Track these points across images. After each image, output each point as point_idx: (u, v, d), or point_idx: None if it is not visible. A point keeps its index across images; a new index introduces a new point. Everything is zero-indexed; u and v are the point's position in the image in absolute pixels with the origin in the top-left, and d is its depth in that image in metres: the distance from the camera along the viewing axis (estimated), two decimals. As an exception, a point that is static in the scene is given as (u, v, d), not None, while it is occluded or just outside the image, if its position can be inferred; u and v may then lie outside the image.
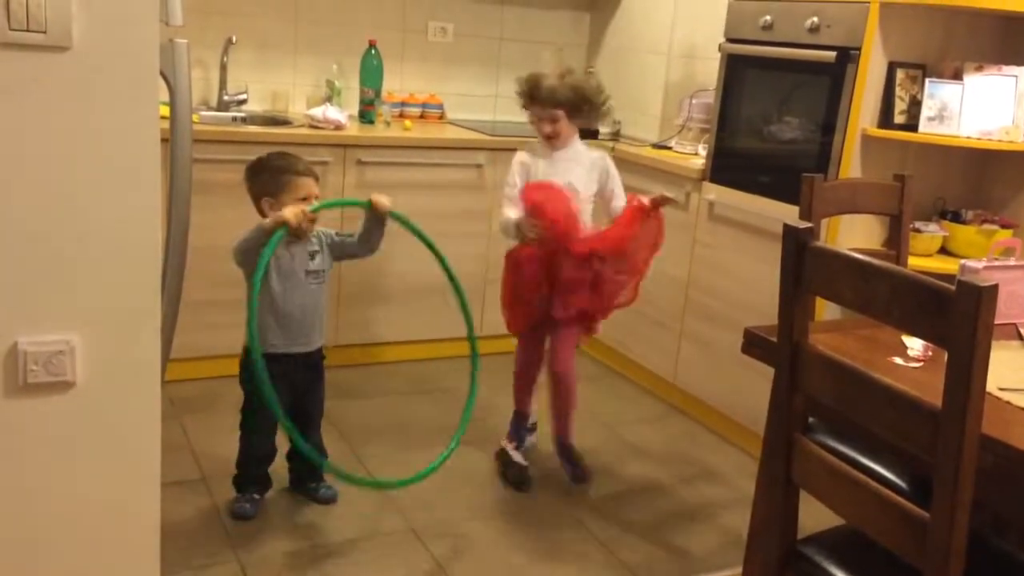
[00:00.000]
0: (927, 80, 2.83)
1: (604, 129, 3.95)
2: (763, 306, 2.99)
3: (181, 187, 1.79)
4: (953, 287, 1.28)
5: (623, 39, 4.22)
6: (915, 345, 1.88)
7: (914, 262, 2.70)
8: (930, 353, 1.85)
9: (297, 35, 3.80)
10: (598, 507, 2.79)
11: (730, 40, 3.26)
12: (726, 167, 3.31)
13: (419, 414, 3.26)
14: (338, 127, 3.43)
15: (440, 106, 4.07)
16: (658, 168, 3.56)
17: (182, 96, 1.73)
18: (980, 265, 2.05)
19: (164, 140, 1.60)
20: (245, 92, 3.67)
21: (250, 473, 2.55)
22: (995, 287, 1.24)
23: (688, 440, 3.33)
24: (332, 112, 3.45)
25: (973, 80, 2.82)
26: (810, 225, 1.56)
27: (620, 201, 2.80)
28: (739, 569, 2.19)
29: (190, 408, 3.11)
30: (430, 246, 2.41)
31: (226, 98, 3.63)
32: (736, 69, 3.28)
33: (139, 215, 1.56)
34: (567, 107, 2.70)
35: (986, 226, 2.94)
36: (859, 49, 2.79)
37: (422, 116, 4.02)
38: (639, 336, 3.71)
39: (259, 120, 3.59)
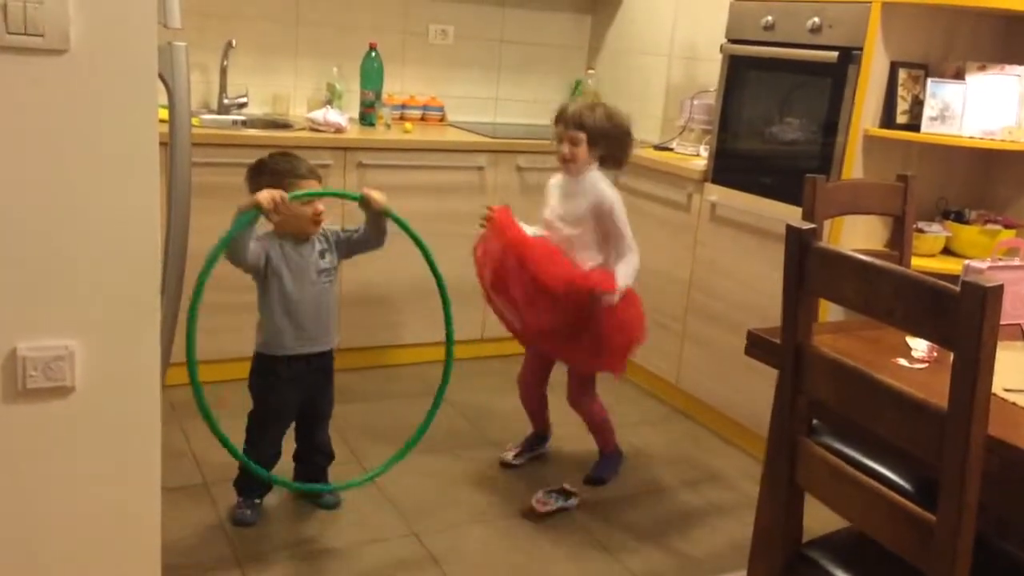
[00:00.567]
0: (929, 80, 2.82)
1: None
2: (765, 307, 2.99)
3: (180, 190, 1.78)
4: (957, 288, 1.27)
5: (624, 41, 4.22)
6: (919, 346, 1.87)
7: (917, 263, 2.69)
8: (935, 354, 1.84)
9: (297, 38, 3.79)
10: (600, 510, 2.78)
11: (731, 41, 3.25)
12: (728, 168, 3.30)
13: (421, 417, 3.24)
14: (339, 130, 3.42)
15: (441, 108, 4.07)
16: (660, 170, 3.55)
17: (181, 99, 1.73)
18: (984, 265, 2.04)
19: (163, 143, 1.59)
20: (245, 95, 3.67)
21: (253, 478, 2.54)
22: (1000, 287, 1.23)
23: (691, 442, 3.32)
24: (333, 115, 3.45)
25: (976, 80, 2.80)
26: (813, 226, 1.55)
27: (618, 252, 2.69)
28: (743, 573, 2.17)
29: (191, 413, 3.06)
30: (419, 243, 2.35)
31: (226, 101, 3.63)
32: (738, 70, 3.27)
33: (138, 219, 1.55)
34: (589, 132, 2.66)
35: (989, 226, 2.93)
36: (861, 49, 2.78)
37: (423, 118, 4.01)
38: (641, 338, 3.69)
39: (259, 123, 3.59)
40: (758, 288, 3.10)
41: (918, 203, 2.56)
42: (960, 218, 2.99)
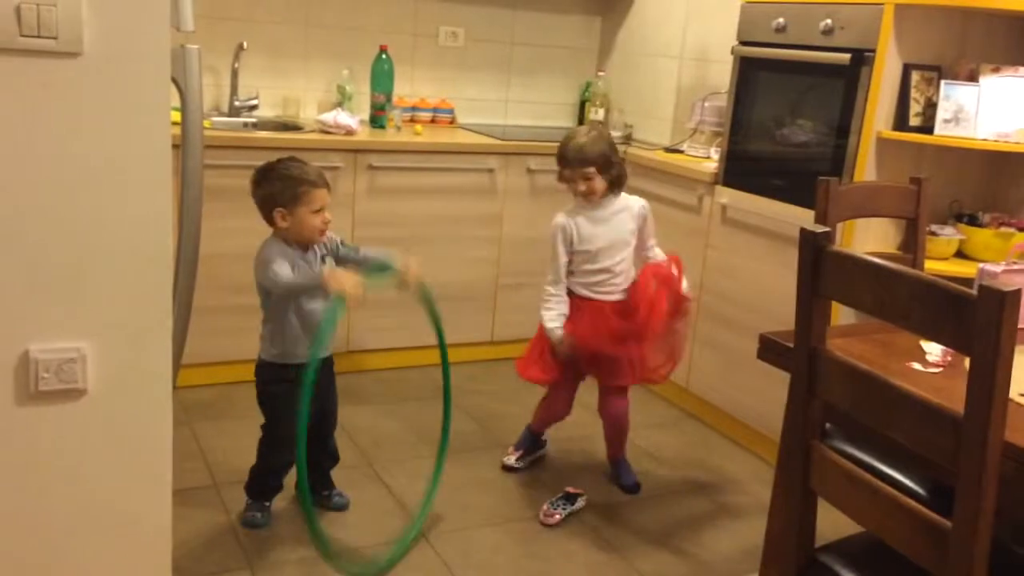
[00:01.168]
0: (943, 82, 2.81)
1: (617, 133, 3.93)
2: (776, 310, 2.97)
3: (192, 193, 1.78)
4: (971, 291, 1.26)
5: (635, 43, 4.21)
6: (934, 350, 1.86)
7: (930, 266, 2.67)
8: (949, 358, 1.83)
9: (308, 40, 3.80)
10: (611, 513, 2.77)
11: (743, 43, 3.24)
12: (739, 170, 3.28)
13: (431, 419, 3.24)
14: (349, 132, 3.43)
15: (451, 111, 4.07)
16: (670, 172, 3.54)
17: (194, 102, 1.73)
18: (999, 269, 2.03)
19: (175, 146, 1.59)
20: (256, 97, 3.67)
21: (267, 484, 2.53)
22: (1018, 292, 1.21)
23: (702, 446, 3.31)
24: (343, 117, 3.45)
25: (989, 81, 2.79)
26: (827, 229, 1.54)
27: (652, 252, 2.83)
28: (755, 577, 2.17)
29: (202, 414, 3.10)
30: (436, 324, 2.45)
31: (237, 103, 3.63)
32: (749, 72, 3.26)
33: (151, 221, 1.56)
34: (597, 164, 2.71)
35: (1003, 229, 2.91)
36: (874, 51, 2.77)
37: (433, 121, 4.01)
38: (652, 341, 3.68)
39: (270, 125, 3.59)
40: (769, 291, 3.09)
41: (931, 205, 2.55)
42: (973, 221, 2.97)
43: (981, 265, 2.05)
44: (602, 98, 4.20)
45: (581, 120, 4.30)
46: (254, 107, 3.67)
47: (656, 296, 2.71)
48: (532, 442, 3.01)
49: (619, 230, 2.77)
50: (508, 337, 3.72)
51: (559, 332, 2.73)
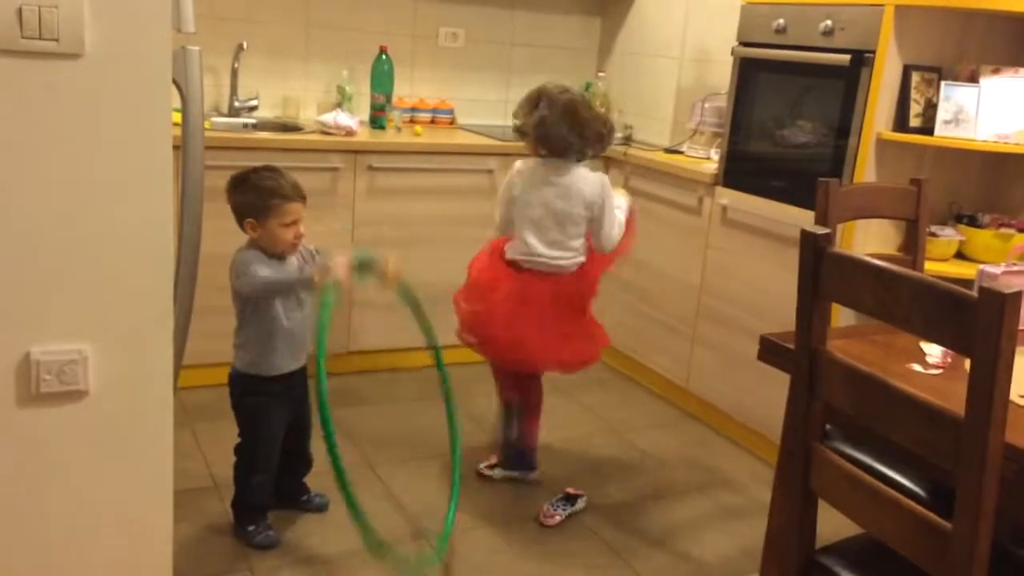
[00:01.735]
0: (943, 83, 2.81)
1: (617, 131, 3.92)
2: (776, 311, 2.98)
3: (193, 194, 1.78)
4: (972, 292, 1.26)
5: (634, 43, 4.21)
6: (934, 351, 1.86)
7: (930, 267, 2.67)
8: (949, 360, 1.83)
9: (308, 41, 3.80)
10: (610, 514, 2.77)
11: (743, 44, 3.24)
12: (739, 171, 3.29)
13: (431, 420, 3.24)
14: (349, 133, 3.43)
15: (451, 111, 4.07)
16: (670, 173, 3.54)
17: (194, 103, 1.73)
18: (999, 270, 2.03)
19: (176, 147, 1.59)
20: (256, 98, 3.67)
21: (258, 504, 2.48)
22: (1019, 294, 1.22)
23: (701, 446, 3.31)
24: (343, 118, 3.45)
25: (989, 83, 2.79)
26: (827, 231, 1.54)
27: (605, 240, 2.64)
28: (755, 578, 2.17)
29: (202, 415, 3.10)
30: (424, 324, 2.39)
31: (237, 104, 3.63)
32: (749, 73, 3.26)
33: (151, 222, 1.56)
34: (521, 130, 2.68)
35: (1003, 230, 2.91)
36: (874, 52, 2.77)
37: (433, 121, 4.01)
38: (651, 341, 3.69)
39: (270, 126, 3.59)
40: (769, 292, 3.09)
41: (931, 207, 2.55)
42: (973, 222, 2.98)
43: (981, 266, 2.05)
44: (602, 99, 4.20)
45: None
46: (254, 108, 3.67)
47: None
48: (517, 457, 2.87)
49: (560, 205, 2.61)
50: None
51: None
